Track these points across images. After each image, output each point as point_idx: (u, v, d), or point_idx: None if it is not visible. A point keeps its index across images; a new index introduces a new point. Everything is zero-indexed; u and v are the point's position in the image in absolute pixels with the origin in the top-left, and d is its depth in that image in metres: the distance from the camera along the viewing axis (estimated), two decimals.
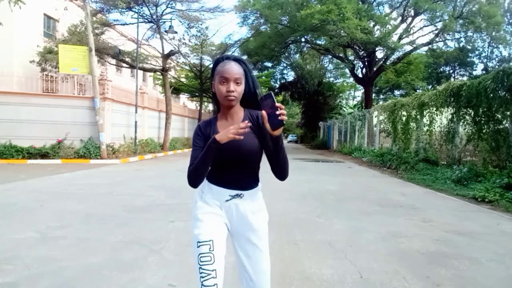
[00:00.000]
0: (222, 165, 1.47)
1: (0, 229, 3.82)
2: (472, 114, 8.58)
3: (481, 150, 8.22)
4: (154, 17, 16.86)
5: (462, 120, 9.07)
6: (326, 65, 35.14)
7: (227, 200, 1.50)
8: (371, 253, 3.29)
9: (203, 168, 1.44)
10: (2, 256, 3.02)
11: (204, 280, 1.38)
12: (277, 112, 1.29)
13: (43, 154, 11.99)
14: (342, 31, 18.65)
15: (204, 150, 1.41)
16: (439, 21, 20.43)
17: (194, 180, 1.45)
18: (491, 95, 7.61)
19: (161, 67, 18.09)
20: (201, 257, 1.41)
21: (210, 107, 34.07)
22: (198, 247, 1.44)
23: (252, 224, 1.51)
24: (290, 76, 36.62)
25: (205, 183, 1.54)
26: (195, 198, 1.57)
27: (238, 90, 1.44)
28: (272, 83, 34.67)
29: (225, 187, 1.49)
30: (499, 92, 7.50)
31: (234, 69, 1.43)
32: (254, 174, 1.54)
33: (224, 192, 1.50)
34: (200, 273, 1.40)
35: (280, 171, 1.48)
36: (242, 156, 1.45)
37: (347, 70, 30.28)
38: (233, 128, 1.33)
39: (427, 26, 21.83)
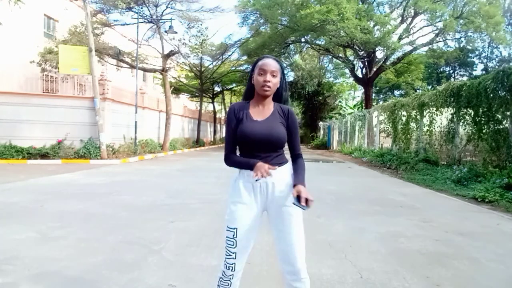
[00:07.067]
0: (253, 148, 1.71)
1: (0, 229, 3.82)
2: (472, 114, 8.56)
3: (481, 150, 8.21)
4: (154, 17, 16.86)
5: (462, 120, 9.06)
6: (326, 65, 35.12)
7: (257, 180, 1.67)
8: (371, 253, 3.29)
9: (237, 167, 1.76)
10: (2, 256, 3.02)
11: (226, 258, 1.69)
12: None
13: (43, 154, 11.99)
14: (341, 31, 18.62)
15: (244, 163, 1.69)
16: (439, 21, 20.39)
17: (230, 166, 1.77)
18: (491, 95, 7.61)
19: (161, 67, 18.09)
20: (227, 239, 1.70)
21: (210, 107, 34.03)
22: (226, 230, 1.71)
23: (281, 200, 1.69)
24: (290, 76, 36.56)
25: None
26: (231, 182, 1.79)
27: (273, 81, 1.69)
28: None
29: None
30: (499, 92, 7.50)
31: (271, 63, 1.70)
32: (280, 154, 1.77)
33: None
34: (225, 251, 1.70)
35: None
36: (271, 140, 1.70)
37: (347, 70, 30.21)
38: (263, 171, 1.57)
39: (427, 26, 21.76)
